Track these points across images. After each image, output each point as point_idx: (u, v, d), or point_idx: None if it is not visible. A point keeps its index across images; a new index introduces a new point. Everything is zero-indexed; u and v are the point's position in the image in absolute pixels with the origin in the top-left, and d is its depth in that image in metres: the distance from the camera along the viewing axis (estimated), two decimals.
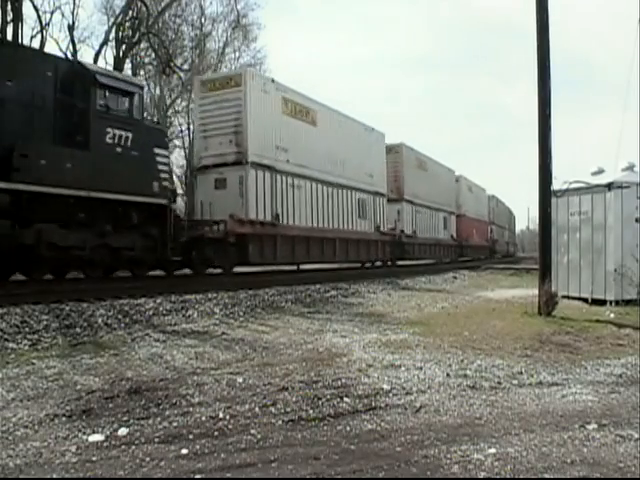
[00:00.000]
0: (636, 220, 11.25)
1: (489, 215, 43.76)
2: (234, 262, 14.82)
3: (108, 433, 3.75)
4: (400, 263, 24.65)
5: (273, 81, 16.27)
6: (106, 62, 25.47)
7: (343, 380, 5.26)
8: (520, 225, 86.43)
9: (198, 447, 3.56)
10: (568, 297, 11.83)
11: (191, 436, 3.75)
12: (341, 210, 19.72)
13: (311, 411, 4.34)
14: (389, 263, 24.15)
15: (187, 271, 16.58)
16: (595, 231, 11.65)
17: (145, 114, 16.72)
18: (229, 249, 14.22)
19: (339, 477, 3.18)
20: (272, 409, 4.36)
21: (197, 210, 14.93)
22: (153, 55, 26.77)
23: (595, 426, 4.08)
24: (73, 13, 24.56)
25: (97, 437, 3.67)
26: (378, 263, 23.68)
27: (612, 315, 9.88)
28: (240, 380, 5.18)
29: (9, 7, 19.83)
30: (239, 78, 15.15)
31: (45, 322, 7.39)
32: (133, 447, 3.52)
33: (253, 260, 15.19)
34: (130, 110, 11.39)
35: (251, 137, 14.75)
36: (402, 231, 24.38)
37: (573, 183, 12.19)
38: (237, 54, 31.70)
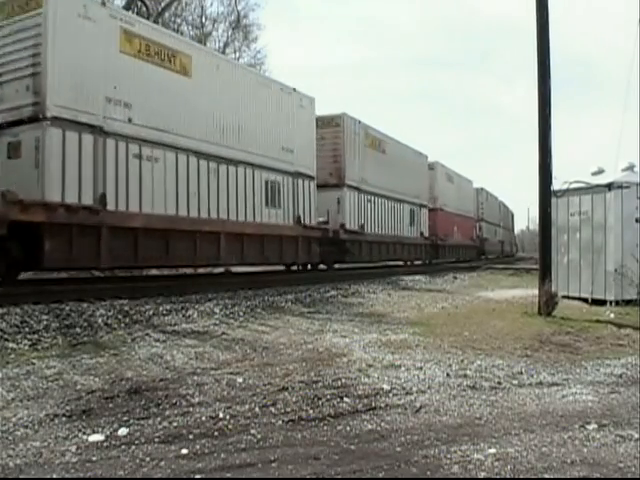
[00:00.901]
0: (636, 220, 11.25)
1: (477, 211, 39.88)
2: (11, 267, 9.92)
3: (108, 433, 3.75)
4: (344, 266, 20.60)
5: (104, 4, 11.11)
6: None
7: (343, 380, 5.26)
8: (520, 225, 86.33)
9: (198, 447, 3.56)
10: (568, 297, 11.83)
11: (191, 436, 3.75)
12: (233, 195, 14.25)
13: (311, 411, 4.34)
14: (323, 266, 19.10)
15: (187, 271, 16.65)
16: (595, 231, 11.65)
17: None
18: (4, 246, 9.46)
19: (339, 477, 3.18)
20: (272, 409, 4.36)
21: None
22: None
23: (595, 426, 4.08)
24: None
25: (97, 437, 3.67)
26: (318, 266, 19.07)
27: (612, 315, 9.88)
28: (240, 380, 5.18)
29: None
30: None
31: (45, 322, 7.39)
32: (133, 447, 3.52)
33: (50, 264, 10.22)
34: None
35: (55, 80, 9.99)
36: (342, 225, 19.17)
37: (573, 183, 12.18)
38: (237, 54, 31.67)
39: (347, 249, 19.52)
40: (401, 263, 25.61)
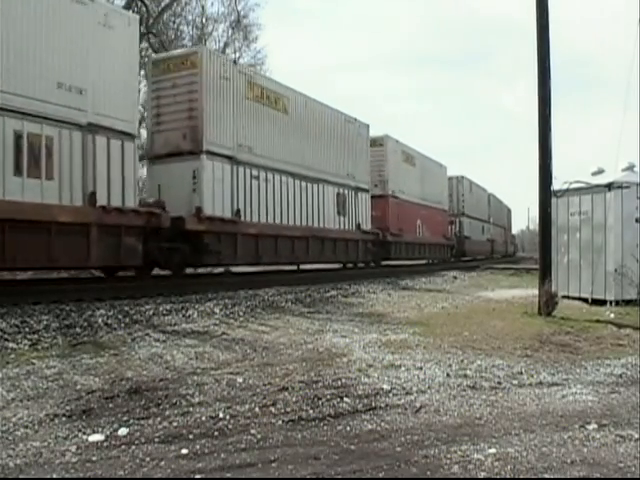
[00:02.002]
0: (636, 220, 11.24)
1: (456, 203, 34.15)
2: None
3: (108, 433, 3.75)
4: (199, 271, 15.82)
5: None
6: None
7: (343, 380, 5.26)
8: (520, 225, 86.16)
9: (198, 447, 3.56)
10: (568, 297, 11.83)
11: (191, 436, 3.75)
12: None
13: (311, 411, 4.34)
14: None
15: (187, 271, 16.62)
16: (595, 231, 11.65)
17: None
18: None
19: (339, 477, 3.18)
20: (272, 409, 4.36)
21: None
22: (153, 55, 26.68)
23: (595, 426, 4.08)
24: None
25: (97, 437, 3.67)
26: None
27: (612, 315, 9.88)
28: (240, 380, 5.18)
29: None
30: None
31: (45, 322, 7.39)
32: (133, 447, 3.52)
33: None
34: None
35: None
36: (198, 209, 13.00)
37: (573, 183, 12.18)
38: (237, 54, 31.64)
39: (206, 246, 13.50)
40: (323, 266, 20.65)
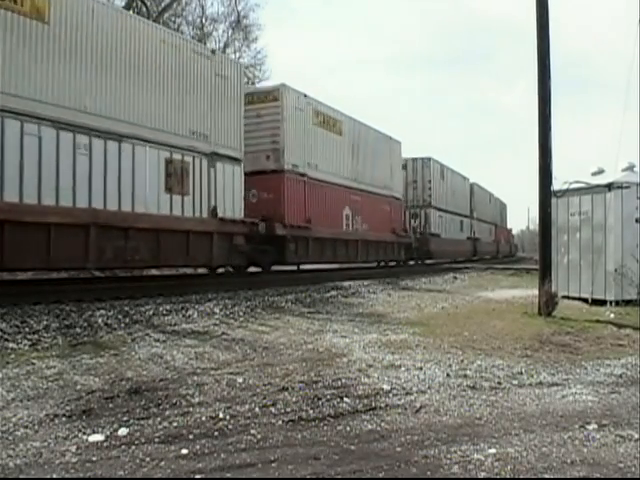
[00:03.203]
0: (636, 220, 11.25)
1: (419, 191, 28.43)
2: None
3: (108, 433, 3.75)
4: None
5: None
6: None
7: (343, 380, 5.26)
8: (520, 225, 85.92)
9: (198, 447, 3.56)
10: (568, 297, 11.83)
11: (191, 436, 3.75)
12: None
13: (311, 411, 4.34)
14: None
15: (187, 271, 16.65)
16: (595, 231, 11.65)
17: None
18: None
19: (339, 477, 3.18)
20: (272, 409, 4.36)
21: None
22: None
23: (595, 426, 4.08)
24: None
25: (97, 437, 3.67)
26: None
27: (612, 315, 9.88)
28: (240, 380, 5.18)
29: None
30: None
31: (45, 322, 7.39)
32: (133, 447, 3.52)
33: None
34: None
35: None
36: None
37: (573, 183, 12.19)
38: (238, 54, 31.66)
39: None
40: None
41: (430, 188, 28.68)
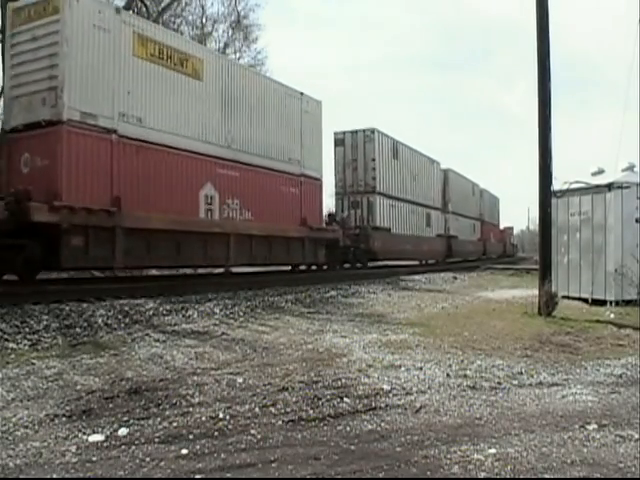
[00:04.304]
0: (636, 220, 11.25)
1: (360, 173, 22.17)
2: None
3: (108, 433, 3.75)
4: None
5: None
6: None
7: (343, 380, 5.26)
8: (520, 225, 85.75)
9: (198, 447, 3.56)
10: (568, 297, 11.84)
11: (191, 436, 3.75)
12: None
13: (311, 411, 4.34)
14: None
15: (187, 271, 16.66)
16: (595, 231, 11.65)
17: None
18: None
19: (339, 477, 3.18)
20: (272, 409, 4.36)
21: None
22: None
23: (595, 426, 4.08)
24: None
25: (97, 437, 3.67)
26: None
27: (612, 315, 9.88)
28: (240, 380, 5.18)
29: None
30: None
31: (45, 322, 7.39)
32: (133, 447, 3.52)
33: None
34: None
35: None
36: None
37: (573, 183, 12.21)
38: (238, 55, 31.66)
39: None
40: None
41: (374, 169, 22.08)
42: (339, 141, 22.66)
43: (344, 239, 19.77)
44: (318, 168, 18.48)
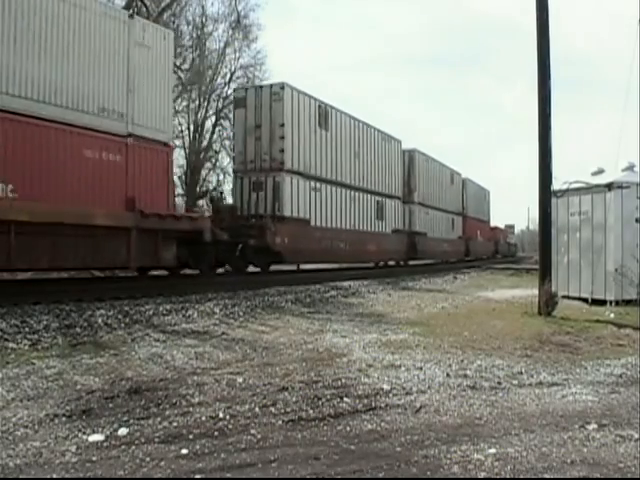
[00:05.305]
0: (636, 220, 11.25)
1: (262, 145, 16.62)
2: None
3: (108, 433, 3.75)
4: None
5: None
6: None
7: (343, 380, 5.25)
8: (520, 225, 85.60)
9: (198, 447, 3.56)
10: (568, 297, 11.84)
11: (191, 436, 3.75)
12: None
13: (311, 411, 4.34)
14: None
15: (187, 271, 16.65)
16: (595, 231, 11.66)
17: None
18: None
19: (339, 477, 3.18)
20: (272, 409, 4.36)
21: None
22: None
23: (595, 426, 4.08)
24: None
25: (97, 437, 3.67)
26: None
27: (612, 315, 9.88)
28: (240, 380, 5.17)
29: None
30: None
31: (45, 322, 7.39)
32: (133, 447, 3.52)
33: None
34: None
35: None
36: None
37: (573, 183, 12.19)
38: (237, 54, 31.61)
39: None
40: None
41: (283, 138, 16.48)
42: (240, 101, 17.32)
43: (218, 232, 14.02)
44: (163, 128, 12.48)
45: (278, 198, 16.55)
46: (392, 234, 23.74)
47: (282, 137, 16.52)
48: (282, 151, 16.55)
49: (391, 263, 24.99)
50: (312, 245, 17.66)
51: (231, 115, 24.25)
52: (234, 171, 18.03)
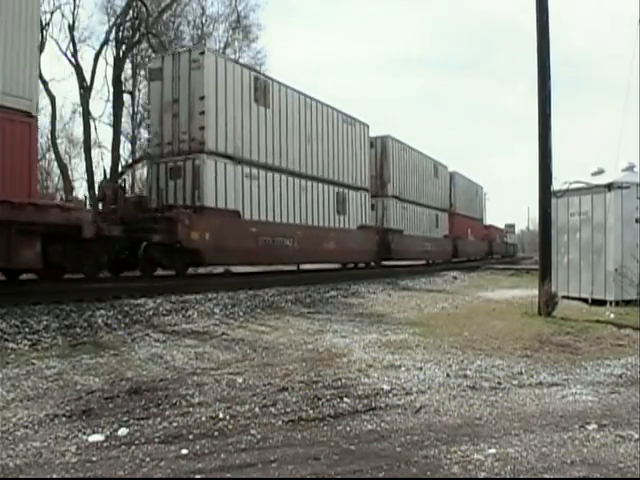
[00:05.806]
0: (636, 220, 11.25)
1: (180, 122, 13.62)
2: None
3: (108, 433, 3.75)
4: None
5: None
6: (106, 62, 25.53)
7: (343, 380, 5.25)
8: (520, 225, 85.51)
9: (198, 447, 3.56)
10: (568, 297, 11.83)
11: (191, 436, 3.75)
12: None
13: (311, 411, 4.34)
14: None
15: (188, 271, 16.64)
16: (595, 231, 11.65)
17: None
18: None
19: (339, 477, 3.18)
20: (272, 409, 4.36)
21: None
22: (153, 55, 26.37)
23: (595, 426, 4.08)
24: (73, 13, 24.60)
25: (97, 437, 3.67)
26: None
27: (612, 315, 9.87)
28: (240, 380, 5.17)
29: None
30: None
31: (45, 322, 7.39)
32: (133, 447, 3.52)
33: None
34: None
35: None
36: None
37: (573, 183, 12.19)
38: (238, 54, 31.64)
39: None
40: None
41: (204, 113, 13.71)
42: (155, 72, 14.47)
43: (105, 227, 11.60)
44: (22, 93, 9.39)
45: (198, 185, 13.63)
46: (357, 230, 20.56)
47: (202, 112, 13.61)
48: (202, 129, 13.62)
49: (361, 265, 22.08)
50: (245, 242, 14.56)
51: None
52: (149, 156, 15.04)
